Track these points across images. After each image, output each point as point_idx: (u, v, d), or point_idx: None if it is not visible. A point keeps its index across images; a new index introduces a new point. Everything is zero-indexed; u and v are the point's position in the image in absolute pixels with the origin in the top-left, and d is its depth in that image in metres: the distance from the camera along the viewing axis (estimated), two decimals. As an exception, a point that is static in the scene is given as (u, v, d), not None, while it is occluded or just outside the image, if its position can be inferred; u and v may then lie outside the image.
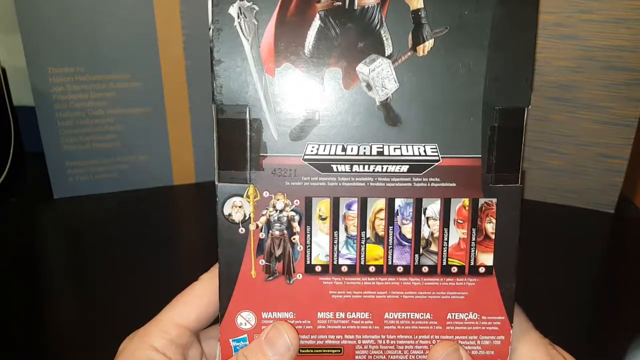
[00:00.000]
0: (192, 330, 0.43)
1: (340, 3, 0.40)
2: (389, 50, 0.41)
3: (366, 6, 0.40)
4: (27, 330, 0.61)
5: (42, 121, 0.82)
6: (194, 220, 0.87)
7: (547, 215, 0.84)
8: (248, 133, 0.41)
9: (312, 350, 0.43)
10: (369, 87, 0.41)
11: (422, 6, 0.40)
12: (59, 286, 0.71)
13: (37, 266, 0.73)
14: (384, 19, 0.40)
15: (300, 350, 0.43)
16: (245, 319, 0.42)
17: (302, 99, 0.41)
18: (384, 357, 0.43)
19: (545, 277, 0.70)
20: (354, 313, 0.42)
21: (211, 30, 0.40)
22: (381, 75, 0.41)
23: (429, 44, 0.40)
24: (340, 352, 0.43)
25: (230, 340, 0.42)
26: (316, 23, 0.40)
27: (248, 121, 0.41)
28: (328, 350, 0.43)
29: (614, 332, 0.63)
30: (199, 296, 0.43)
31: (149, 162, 0.88)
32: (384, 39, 0.41)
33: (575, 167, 0.83)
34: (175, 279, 0.68)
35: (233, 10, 0.40)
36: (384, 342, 0.43)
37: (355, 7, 0.40)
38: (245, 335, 0.42)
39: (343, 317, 0.42)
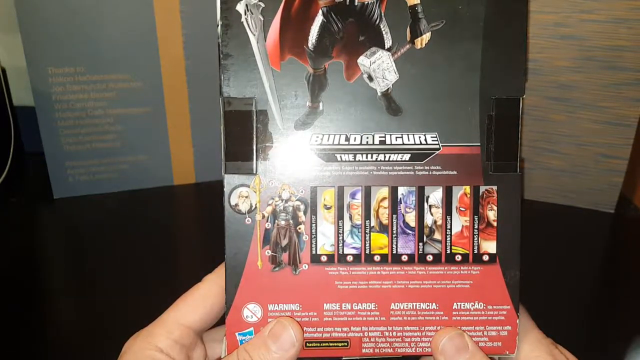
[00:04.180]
0: (196, 331, 0.43)
1: None
2: (388, 43, 0.42)
3: (366, 2, 0.42)
4: (27, 330, 0.61)
5: (42, 121, 0.82)
6: (194, 220, 0.87)
7: (547, 215, 0.84)
8: (254, 124, 0.42)
9: (318, 344, 0.43)
10: (370, 78, 0.42)
11: (419, 2, 0.42)
12: (60, 286, 0.71)
13: (37, 266, 0.73)
14: (383, 14, 0.42)
15: (307, 344, 0.43)
16: (251, 312, 0.42)
17: (306, 90, 0.42)
18: (391, 350, 0.43)
19: (545, 276, 0.70)
20: (360, 304, 0.43)
21: (219, 27, 0.42)
22: (382, 67, 0.42)
23: (426, 37, 0.42)
24: (347, 345, 0.43)
25: (237, 334, 0.42)
26: (319, 18, 0.42)
27: (254, 113, 0.42)
28: (335, 344, 0.43)
29: (614, 332, 0.63)
30: (203, 297, 0.43)
31: (149, 162, 0.88)
32: (384, 32, 0.42)
33: (575, 167, 0.83)
34: (175, 279, 0.68)
35: (240, 7, 0.41)
36: (390, 334, 0.43)
37: (356, 3, 0.42)
38: (252, 329, 0.42)
39: (349, 308, 0.43)
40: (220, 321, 0.44)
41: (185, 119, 0.87)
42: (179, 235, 0.82)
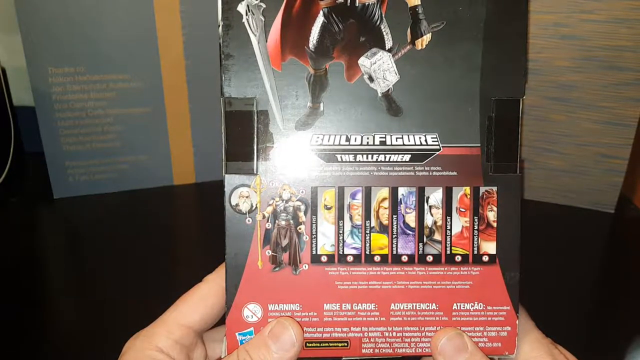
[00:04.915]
0: (197, 331, 0.43)
1: (342, 0, 0.42)
2: (389, 44, 0.43)
3: (367, 3, 0.42)
4: (27, 330, 0.61)
5: (42, 121, 0.82)
6: (194, 220, 0.87)
7: (547, 215, 0.84)
8: (255, 125, 0.42)
9: (318, 344, 0.43)
10: (370, 79, 0.43)
11: (419, 3, 0.42)
12: (60, 286, 0.71)
13: (37, 266, 0.73)
14: (383, 15, 0.42)
15: (307, 344, 0.43)
16: (251, 312, 0.42)
17: (307, 91, 0.42)
18: (391, 350, 0.43)
19: (545, 277, 0.70)
20: (360, 304, 0.43)
21: (220, 27, 0.42)
22: (382, 68, 0.42)
23: (426, 38, 0.42)
24: (347, 346, 0.43)
25: (237, 334, 0.42)
26: (320, 19, 0.42)
27: (255, 113, 0.42)
28: (335, 344, 0.43)
29: (614, 332, 0.63)
30: (204, 297, 0.44)
31: (149, 162, 0.88)
32: (384, 33, 0.43)
33: (575, 167, 0.83)
34: (175, 279, 0.68)
35: (241, 7, 0.42)
36: (390, 335, 0.43)
37: (357, 4, 0.42)
38: (252, 329, 0.42)
39: (349, 308, 0.43)
40: (221, 321, 0.44)
41: (185, 119, 0.87)
42: (179, 235, 0.82)
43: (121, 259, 0.73)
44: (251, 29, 0.42)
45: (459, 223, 0.43)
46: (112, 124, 0.85)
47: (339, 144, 0.42)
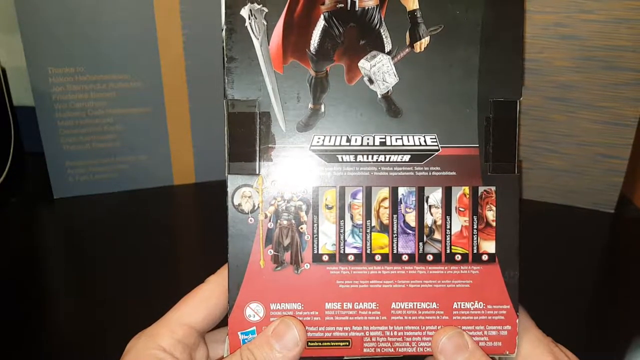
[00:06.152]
0: (199, 331, 0.43)
1: (343, 5, 0.43)
2: (388, 47, 0.43)
3: (366, 7, 0.43)
4: (27, 330, 0.61)
5: (42, 121, 0.81)
6: (194, 220, 0.87)
7: (547, 215, 0.84)
8: (257, 126, 0.43)
9: (320, 343, 0.43)
10: (370, 81, 0.43)
11: (418, 7, 0.43)
12: (59, 286, 0.71)
13: (37, 266, 0.73)
14: (383, 19, 0.43)
15: (309, 344, 0.43)
16: (254, 311, 0.42)
17: (308, 93, 0.43)
18: (392, 349, 0.43)
19: (545, 277, 0.70)
20: (361, 303, 0.43)
21: (224, 31, 0.43)
22: (382, 70, 0.43)
23: (425, 41, 0.43)
24: (349, 345, 0.43)
25: (239, 333, 0.43)
26: (321, 23, 0.43)
27: (257, 114, 0.43)
28: (336, 343, 0.43)
29: (614, 332, 0.63)
30: (206, 297, 0.44)
31: (149, 162, 0.88)
32: (384, 37, 0.43)
33: (575, 167, 0.83)
34: (175, 279, 0.68)
35: (244, 12, 0.42)
36: (391, 334, 0.43)
37: (357, 9, 0.43)
38: (254, 328, 0.42)
39: (350, 307, 0.43)
40: (222, 323, 0.44)
41: (185, 119, 0.87)
42: (179, 235, 0.82)
43: (121, 259, 0.73)
44: (254, 33, 0.42)
45: (458, 222, 0.43)
46: (112, 124, 0.85)
47: (340, 145, 0.43)
